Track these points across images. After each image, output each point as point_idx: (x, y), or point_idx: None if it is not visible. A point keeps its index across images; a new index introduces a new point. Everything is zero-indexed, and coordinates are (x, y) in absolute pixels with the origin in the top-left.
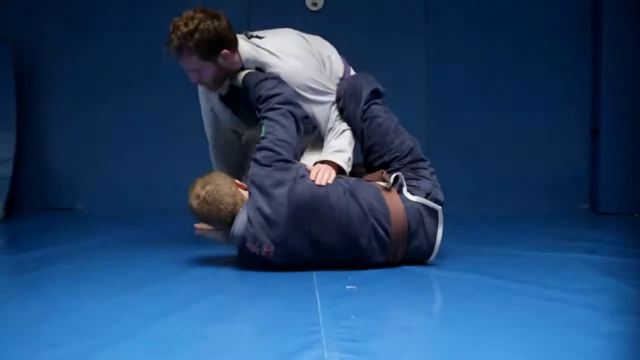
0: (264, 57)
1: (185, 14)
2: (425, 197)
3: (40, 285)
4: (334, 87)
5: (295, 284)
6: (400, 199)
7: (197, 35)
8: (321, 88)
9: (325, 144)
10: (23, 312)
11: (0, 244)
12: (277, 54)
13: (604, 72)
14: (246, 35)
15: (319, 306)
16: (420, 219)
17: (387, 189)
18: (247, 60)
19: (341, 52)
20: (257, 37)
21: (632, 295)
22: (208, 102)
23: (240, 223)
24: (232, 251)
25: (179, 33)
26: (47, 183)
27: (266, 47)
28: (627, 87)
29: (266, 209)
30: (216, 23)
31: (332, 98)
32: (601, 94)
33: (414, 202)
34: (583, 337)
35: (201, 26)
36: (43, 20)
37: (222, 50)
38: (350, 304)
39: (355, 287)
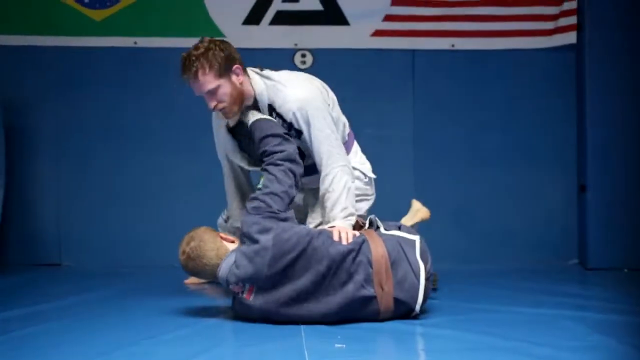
0: (276, 87)
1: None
2: (398, 230)
3: (20, 346)
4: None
5: (283, 342)
6: (377, 233)
7: (209, 53)
8: (326, 116)
9: (326, 194)
10: None
11: None
12: (286, 84)
13: (589, 127)
14: (260, 68)
15: None
16: (400, 248)
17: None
18: (261, 93)
19: None
20: (270, 69)
21: (623, 353)
22: (218, 137)
23: (225, 266)
24: (218, 306)
25: (192, 57)
26: (34, 239)
27: (276, 78)
28: (612, 142)
29: (251, 253)
30: (225, 44)
31: (334, 133)
32: (587, 150)
33: (390, 234)
34: None
35: (211, 45)
36: (32, 77)
37: (234, 66)
38: None
39: (344, 345)
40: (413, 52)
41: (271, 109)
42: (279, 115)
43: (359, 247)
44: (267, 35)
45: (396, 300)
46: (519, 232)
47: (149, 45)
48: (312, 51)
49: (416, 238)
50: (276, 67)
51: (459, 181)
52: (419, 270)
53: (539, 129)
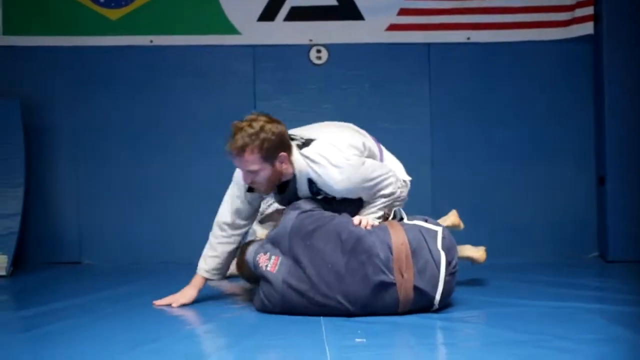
0: (317, 168)
1: (248, 117)
2: (424, 222)
3: (42, 343)
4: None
5: (304, 337)
6: (400, 223)
7: (262, 135)
8: (367, 176)
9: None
10: None
11: (7, 300)
12: (326, 165)
13: (607, 119)
14: (292, 138)
15: None
16: (422, 237)
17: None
18: (301, 172)
19: (345, 105)
20: (304, 143)
21: None
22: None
23: (253, 245)
24: (237, 301)
25: (243, 133)
26: (54, 237)
27: (317, 159)
28: (631, 133)
29: (278, 226)
30: (279, 127)
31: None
32: (605, 141)
33: (412, 224)
34: None
35: (266, 127)
36: (50, 77)
37: (280, 153)
38: (360, 357)
39: (364, 339)
40: (428, 46)
41: (311, 182)
42: (319, 190)
43: (379, 231)
44: (282, 32)
45: (416, 289)
46: (538, 225)
47: (165, 43)
48: (327, 46)
49: (439, 229)
50: (291, 65)
51: (477, 174)
52: (440, 261)
53: (557, 121)
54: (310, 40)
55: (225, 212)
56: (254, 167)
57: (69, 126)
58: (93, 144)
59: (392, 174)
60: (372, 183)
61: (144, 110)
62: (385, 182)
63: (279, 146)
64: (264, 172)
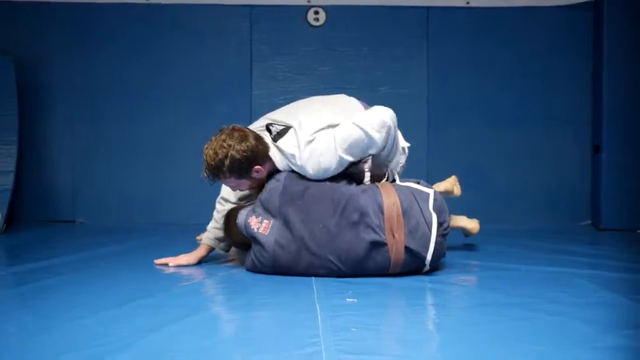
0: (291, 160)
1: (215, 141)
2: (417, 184)
3: (35, 297)
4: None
5: (295, 296)
6: (391, 184)
7: (227, 162)
8: (349, 151)
9: None
10: (16, 325)
11: None
12: (294, 152)
13: (605, 88)
14: (267, 128)
15: (319, 318)
16: (413, 198)
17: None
18: (283, 167)
19: (342, 67)
20: (279, 133)
21: (633, 309)
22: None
23: (245, 210)
24: (230, 261)
25: (212, 163)
26: (48, 196)
27: (288, 151)
28: (627, 103)
29: (266, 190)
30: (244, 145)
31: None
32: (602, 110)
33: (404, 185)
34: (584, 352)
35: (230, 153)
36: (45, 35)
37: (253, 167)
38: (350, 316)
39: (355, 299)
40: (427, 9)
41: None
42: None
43: (370, 191)
44: None
45: (407, 250)
46: (532, 192)
47: (161, 1)
48: (325, 8)
49: (430, 191)
50: (288, 26)
51: (473, 140)
52: (432, 222)
53: (554, 88)
54: (308, 1)
55: (227, 190)
56: (232, 184)
57: (63, 84)
58: (88, 102)
59: (368, 128)
60: (349, 158)
61: (139, 69)
62: (364, 145)
63: (250, 162)
64: (244, 185)
